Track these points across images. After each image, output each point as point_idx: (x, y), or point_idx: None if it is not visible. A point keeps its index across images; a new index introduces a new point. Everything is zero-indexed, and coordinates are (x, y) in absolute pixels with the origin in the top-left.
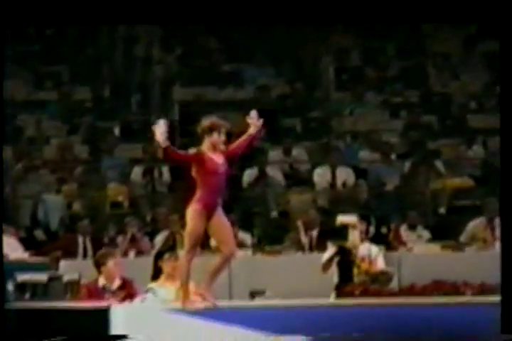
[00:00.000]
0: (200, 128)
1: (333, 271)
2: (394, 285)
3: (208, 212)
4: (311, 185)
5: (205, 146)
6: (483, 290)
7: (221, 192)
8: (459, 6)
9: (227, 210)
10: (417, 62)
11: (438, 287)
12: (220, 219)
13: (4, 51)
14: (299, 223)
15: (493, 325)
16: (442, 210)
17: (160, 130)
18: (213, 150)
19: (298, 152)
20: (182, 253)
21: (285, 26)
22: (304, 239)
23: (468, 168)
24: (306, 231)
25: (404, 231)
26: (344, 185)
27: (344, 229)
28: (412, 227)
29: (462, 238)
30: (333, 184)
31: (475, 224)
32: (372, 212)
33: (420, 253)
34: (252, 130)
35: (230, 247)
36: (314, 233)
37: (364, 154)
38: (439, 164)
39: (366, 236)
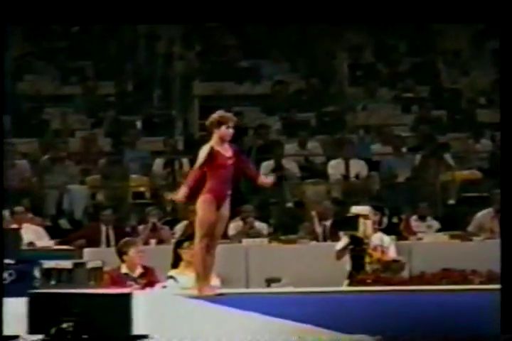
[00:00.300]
0: (208, 122)
1: (346, 260)
2: (405, 273)
3: (218, 202)
4: (326, 176)
5: (214, 139)
6: (490, 278)
7: (229, 183)
8: (468, 5)
9: (243, 201)
10: (428, 59)
11: (447, 275)
12: (225, 212)
13: (25, 48)
14: (314, 213)
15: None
16: (451, 201)
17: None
18: (221, 143)
19: (313, 145)
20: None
21: (300, 24)
22: (318, 229)
23: (476, 160)
24: (320, 221)
25: (414, 221)
26: (357, 176)
27: (357, 219)
28: (422, 218)
29: (470, 228)
30: (346, 176)
31: (482, 215)
32: (384, 203)
33: (430, 243)
34: (261, 180)
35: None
36: (328, 223)
37: (376, 147)
38: (448, 157)
39: (379, 227)
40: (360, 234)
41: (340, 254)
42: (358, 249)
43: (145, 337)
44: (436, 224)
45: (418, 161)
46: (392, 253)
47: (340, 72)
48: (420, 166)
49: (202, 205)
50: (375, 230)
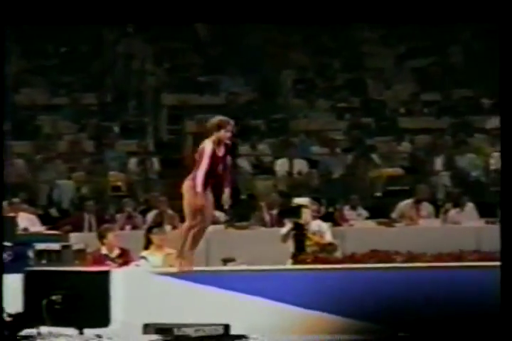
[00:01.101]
0: (209, 125)
1: (290, 243)
2: (338, 254)
3: (201, 186)
4: (273, 173)
5: (213, 139)
6: (410, 257)
7: (212, 176)
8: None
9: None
10: (358, 75)
11: (374, 255)
12: (210, 198)
13: (24, 64)
14: (263, 204)
15: (423, 286)
16: (378, 194)
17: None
18: (218, 144)
19: (262, 147)
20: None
21: (253, 45)
22: (267, 217)
23: (398, 160)
24: (268, 210)
25: (347, 211)
26: (299, 173)
27: (299, 209)
28: (353, 208)
29: (393, 216)
30: (290, 172)
31: (404, 205)
32: (321, 195)
33: (360, 229)
34: (223, 198)
35: (193, 219)
36: (275, 212)
37: (315, 149)
38: (375, 157)
39: (317, 215)
40: (301, 221)
41: (284, 238)
42: (299, 233)
43: None
44: (365, 213)
45: (350, 160)
46: (328, 237)
47: (285, 86)
48: (352, 164)
49: (186, 189)
50: (314, 218)
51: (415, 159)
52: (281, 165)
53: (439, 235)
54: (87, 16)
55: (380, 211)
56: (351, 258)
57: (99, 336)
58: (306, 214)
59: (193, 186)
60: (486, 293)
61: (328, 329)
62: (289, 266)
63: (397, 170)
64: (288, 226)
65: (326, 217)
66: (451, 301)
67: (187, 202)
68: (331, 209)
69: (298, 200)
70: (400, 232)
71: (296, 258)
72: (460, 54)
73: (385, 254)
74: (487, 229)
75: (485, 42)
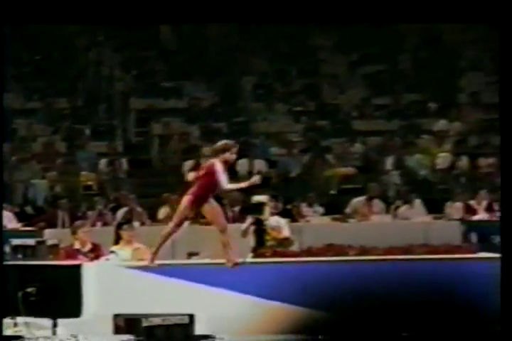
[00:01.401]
0: (216, 148)
1: (251, 237)
2: (294, 248)
3: (196, 204)
4: (235, 172)
5: (219, 160)
6: (363, 251)
7: (212, 193)
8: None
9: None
10: (314, 81)
11: (329, 249)
12: (211, 204)
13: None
14: (226, 201)
15: (375, 278)
16: (333, 192)
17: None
18: (224, 165)
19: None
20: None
21: (215, 52)
22: (229, 213)
23: (351, 160)
24: (231, 207)
25: (304, 207)
26: (259, 172)
27: (259, 206)
28: (310, 205)
29: (347, 212)
30: (250, 172)
31: (357, 202)
32: (280, 193)
33: (316, 224)
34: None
35: (219, 224)
36: (237, 209)
37: (274, 150)
38: (330, 157)
39: (275, 211)
40: (261, 217)
41: (245, 233)
42: (259, 229)
43: None
44: (321, 210)
45: (306, 160)
46: (285, 232)
47: (245, 91)
48: (308, 164)
49: (183, 202)
50: (273, 214)
51: (367, 159)
52: (242, 165)
53: (390, 230)
54: (62, 21)
55: (334, 208)
56: (308, 252)
57: (74, 336)
58: (265, 211)
59: (192, 201)
60: (433, 283)
61: (288, 319)
62: (249, 259)
63: (351, 170)
64: (248, 221)
65: (284, 214)
66: (402, 291)
67: (182, 212)
68: (289, 206)
69: (257, 198)
70: (353, 227)
71: (256, 251)
72: (408, 61)
73: (339, 248)
74: (434, 224)
75: (431, 49)
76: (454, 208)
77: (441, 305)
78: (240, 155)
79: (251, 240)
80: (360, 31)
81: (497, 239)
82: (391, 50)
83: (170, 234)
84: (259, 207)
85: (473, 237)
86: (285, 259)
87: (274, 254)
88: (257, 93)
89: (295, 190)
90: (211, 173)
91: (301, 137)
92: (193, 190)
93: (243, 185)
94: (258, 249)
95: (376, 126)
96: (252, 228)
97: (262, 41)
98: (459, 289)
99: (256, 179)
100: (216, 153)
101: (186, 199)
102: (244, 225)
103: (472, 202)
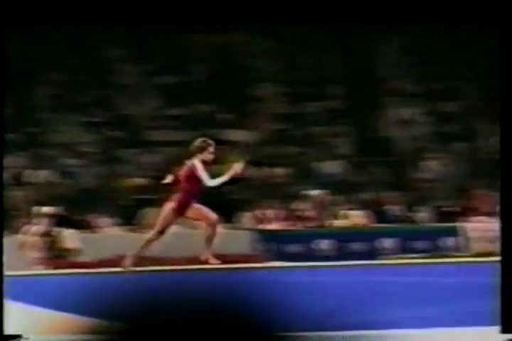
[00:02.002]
0: (193, 148)
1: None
2: (87, 258)
3: (183, 209)
4: (30, 184)
5: (198, 160)
6: (156, 261)
7: (195, 196)
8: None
9: None
10: (107, 92)
11: (120, 260)
12: (195, 207)
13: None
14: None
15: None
16: (126, 202)
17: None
18: (204, 165)
19: (19, 159)
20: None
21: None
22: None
23: (146, 170)
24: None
25: (96, 218)
26: (52, 183)
27: (47, 217)
28: (102, 215)
29: (140, 223)
30: (44, 183)
31: (149, 212)
32: (73, 203)
33: (108, 235)
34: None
35: (209, 218)
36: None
37: (68, 161)
38: (123, 168)
39: (64, 223)
40: (48, 228)
41: (23, 245)
42: (47, 240)
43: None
44: (113, 220)
45: (100, 171)
46: (73, 243)
47: (40, 102)
48: (101, 175)
49: (166, 210)
50: (61, 225)
51: (162, 169)
52: (36, 177)
53: (182, 241)
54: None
55: (127, 218)
56: (100, 262)
57: None
58: (50, 222)
59: (176, 209)
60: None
61: (76, 329)
62: (37, 271)
63: (143, 180)
64: (34, 231)
65: (76, 224)
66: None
67: (164, 220)
68: (80, 217)
69: (43, 209)
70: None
71: (43, 262)
72: (201, 73)
73: (120, 259)
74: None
75: (220, 60)
76: (247, 218)
77: (230, 315)
78: (35, 166)
79: (41, 251)
80: (154, 43)
81: (291, 247)
82: (184, 61)
83: (151, 240)
84: (50, 219)
85: (266, 246)
86: (73, 270)
87: (60, 265)
88: (51, 104)
89: (88, 200)
90: (192, 175)
91: (95, 148)
92: (176, 196)
93: (225, 177)
94: (46, 260)
95: (170, 137)
96: (40, 239)
97: (55, 53)
98: (250, 298)
99: (237, 168)
100: (193, 153)
101: (169, 207)
102: (25, 237)
103: (265, 212)
